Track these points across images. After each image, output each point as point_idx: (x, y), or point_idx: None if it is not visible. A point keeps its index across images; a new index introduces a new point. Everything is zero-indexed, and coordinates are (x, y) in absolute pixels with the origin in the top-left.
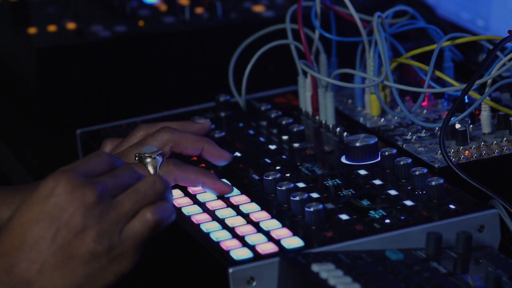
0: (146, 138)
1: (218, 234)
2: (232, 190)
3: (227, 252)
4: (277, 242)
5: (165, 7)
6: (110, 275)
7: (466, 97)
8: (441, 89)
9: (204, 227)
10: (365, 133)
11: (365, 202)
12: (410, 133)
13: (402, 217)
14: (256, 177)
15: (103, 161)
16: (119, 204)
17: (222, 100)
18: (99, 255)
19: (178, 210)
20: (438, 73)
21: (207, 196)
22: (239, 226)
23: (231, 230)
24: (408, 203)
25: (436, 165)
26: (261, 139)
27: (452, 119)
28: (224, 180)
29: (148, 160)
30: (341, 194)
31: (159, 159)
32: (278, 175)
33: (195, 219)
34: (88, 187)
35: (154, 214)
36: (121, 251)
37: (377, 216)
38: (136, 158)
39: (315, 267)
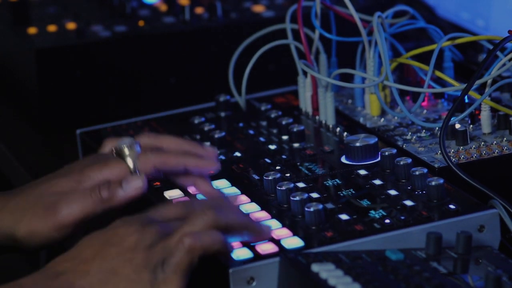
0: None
1: None
2: (217, 166)
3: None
4: (277, 242)
5: (165, 7)
6: None
7: (466, 97)
8: (441, 89)
9: None
10: (365, 133)
11: (365, 202)
12: (410, 133)
13: (402, 217)
14: (256, 177)
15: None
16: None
17: (222, 100)
18: (143, 278)
19: None
20: (438, 73)
21: (207, 196)
22: None
23: None
24: (408, 203)
25: (436, 165)
26: (261, 139)
27: (452, 119)
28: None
29: (127, 151)
30: (341, 194)
31: (138, 148)
32: (278, 175)
33: None
34: (150, 227)
35: (191, 239)
36: (163, 278)
37: (377, 216)
38: (114, 152)
39: (315, 267)
